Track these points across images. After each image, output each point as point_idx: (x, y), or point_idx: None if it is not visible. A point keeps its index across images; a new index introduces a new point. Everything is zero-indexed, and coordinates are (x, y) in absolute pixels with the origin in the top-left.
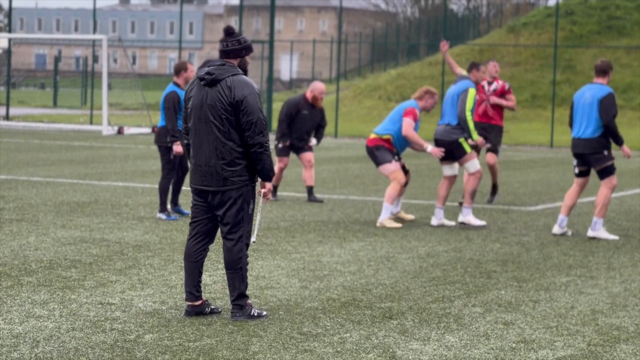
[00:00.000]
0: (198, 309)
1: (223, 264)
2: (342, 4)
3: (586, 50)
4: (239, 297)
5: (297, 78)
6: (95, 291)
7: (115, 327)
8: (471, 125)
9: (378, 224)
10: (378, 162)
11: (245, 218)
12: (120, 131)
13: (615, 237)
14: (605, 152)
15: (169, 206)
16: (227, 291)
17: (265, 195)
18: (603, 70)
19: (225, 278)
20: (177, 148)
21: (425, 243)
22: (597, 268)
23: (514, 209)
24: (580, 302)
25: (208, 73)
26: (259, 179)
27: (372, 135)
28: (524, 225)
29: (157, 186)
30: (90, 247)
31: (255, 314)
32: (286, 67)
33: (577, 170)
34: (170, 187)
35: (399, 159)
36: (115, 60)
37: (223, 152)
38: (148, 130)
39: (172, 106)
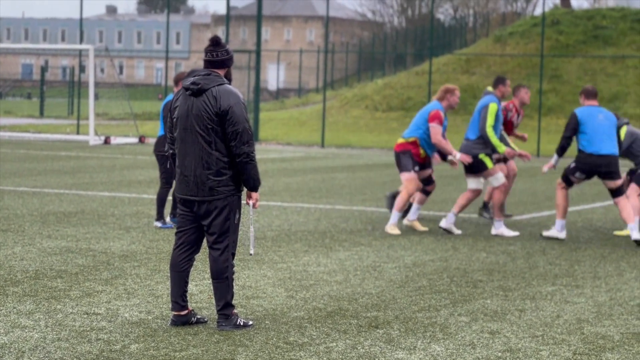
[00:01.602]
0: (184, 319)
1: (209, 274)
2: (329, 13)
3: (572, 59)
4: (225, 307)
5: (284, 88)
6: (81, 301)
7: (101, 337)
8: (494, 140)
9: (406, 222)
10: (401, 168)
11: (232, 228)
12: (107, 141)
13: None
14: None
15: (167, 219)
16: (213, 301)
17: (253, 205)
18: (595, 94)
19: (212, 287)
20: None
21: (412, 252)
22: (583, 277)
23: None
24: (566, 311)
25: (194, 83)
26: (245, 189)
27: (400, 140)
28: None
29: (144, 196)
30: (77, 257)
31: (242, 324)
32: (273, 76)
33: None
34: (170, 198)
35: (429, 167)
36: (102, 70)
37: (209, 162)
38: (135, 140)
39: (166, 117)
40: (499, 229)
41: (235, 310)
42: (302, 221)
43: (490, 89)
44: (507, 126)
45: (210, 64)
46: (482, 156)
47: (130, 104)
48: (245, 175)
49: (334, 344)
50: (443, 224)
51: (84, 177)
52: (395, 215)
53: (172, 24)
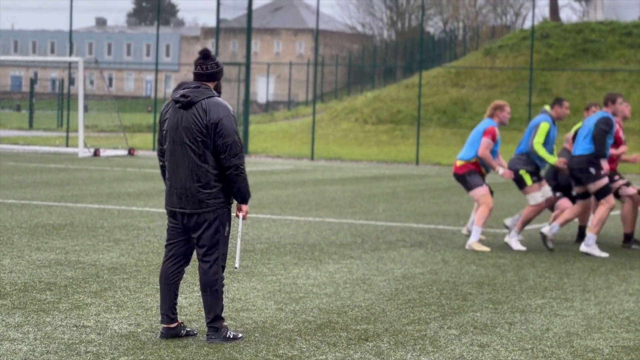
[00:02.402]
0: (173, 332)
1: (199, 286)
2: (318, 26)
3: (561, 73)
4: (215, 320)
5: (274, 100)
6: (70, 314)
7: (90, 350)
8: (542, 153)
9: (467, 247)
10: (470, 187)
11: (221, 240)
12: (96, 153)
13: (605, 255)
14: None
15: None
16: (203, 313)
17: (243, 217)
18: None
19: (201, 300)
20: None
21: (401, 265)
22: (572, 290)
23: (489, 231)
24: (556, 324)
25: (183, 95)
26: (235, 201)
27: (459, 162)
28: (499, 247)
29: (133, 208)
30: (66, 269)
31: (231, 336)
32: (263, 89)
33: None
34: None
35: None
36: (91, 82)
37: (199, 174)
38: (124, 152)
39: None
40: (512, 238)
41: (224, 323)
42: (291, 234)
43: (547, 107)
44: (617, 143)
45: (200, 76)
46: (522, 172)
47: (120, 116)
48: (235, 188)
49: (324, 356)
50: (505, 238)
51: (73, 189)
52: (477, 231)
53: (162, 36)
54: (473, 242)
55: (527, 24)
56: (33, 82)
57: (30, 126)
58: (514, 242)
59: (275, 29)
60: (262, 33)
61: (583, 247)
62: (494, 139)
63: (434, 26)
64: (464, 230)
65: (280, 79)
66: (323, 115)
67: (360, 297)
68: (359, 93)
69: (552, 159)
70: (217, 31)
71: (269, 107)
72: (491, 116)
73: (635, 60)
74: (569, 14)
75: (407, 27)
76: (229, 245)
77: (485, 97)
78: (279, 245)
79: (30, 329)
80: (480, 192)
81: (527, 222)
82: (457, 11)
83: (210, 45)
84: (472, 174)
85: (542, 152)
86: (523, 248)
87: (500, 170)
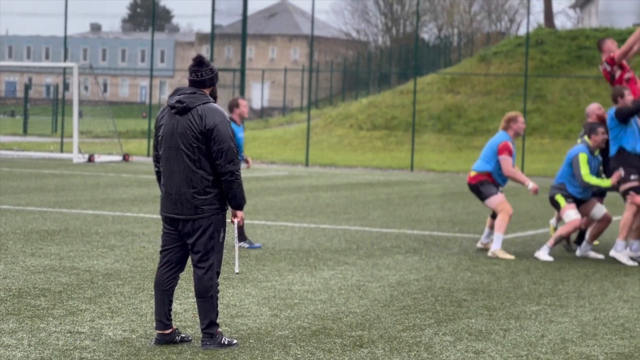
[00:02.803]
0: (168, 338)
1: (193, 292)
2: (313, 32)
3: (556, 79)
4: (210, 326)
5: (269, 106)
6: (65, 320)
7: (85, 356)
8: (595, 182)
9: (490, 254)
10: (484, 197)
11: (216, 246)
12: (90, 159)
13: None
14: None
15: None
16: (198, 319)
17: (238, 223)
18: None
19: (196, 306)
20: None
21: (396, 272)
22: (567, 297)
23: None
24: (551, 331)
25: (179, 101)
26: (230, 207)
27: (472, 173)
28: (494, 254)
29: (128, 214)
30: (60, 275)
31: (226, 343)
32: (257, 95)
33: None
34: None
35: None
36: (86, 88)
37: (194, 180)
38: (119, 158)
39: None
40: (541, 251)
41: (219, 329)
42: (286, 240)
43: (586, 138)
44: None
45: (195, 83)
46: (557, 197)
47: (114, 122)
48: (230, 194)
49: None
50: (536, 253)
51: (68, 195)
52: (499, 238)
53: (157, 42)
54: (497, 250)
55: (522, 31)
56: (27, 87)
57: (25, 132)
58: (542, 253)
59: (270, 35)
60: (256, 39)
61: (612, 252)
62: (510, 153)
63: (428, 32)
64: (479, 244)
65: (274, 85)
66: (318, 122)
67: (355, 304)
68: (353, 99)
69: (607, 182)
70: (211, 37)
71: (264, 113)
72: (505, 129)
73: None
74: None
75: (401, 34)
76: (225, 251)
77: (480, 103)
78: (273, 252)
79: (25, 335)
80: (497, 199)
81: (561, 238)
82: (451, 17)
83: (204, 51)
84: (485, 183)
85: (594, 181)
86: (551, 258)
87: (530, 185)
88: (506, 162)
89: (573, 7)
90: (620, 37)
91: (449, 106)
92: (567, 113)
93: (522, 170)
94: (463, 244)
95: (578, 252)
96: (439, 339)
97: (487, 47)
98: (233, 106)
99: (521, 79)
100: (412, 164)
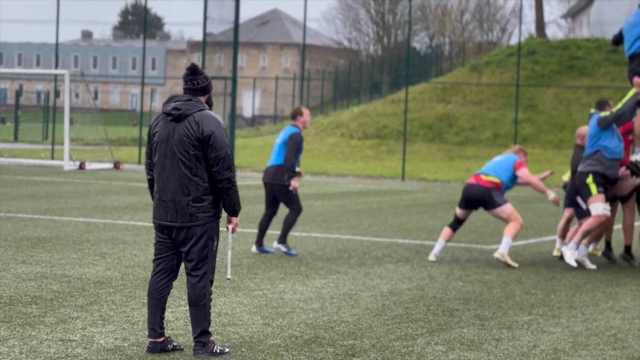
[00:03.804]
0: (160, 346)
1: (186, 300)
2: (305, 40)
3: (547, 89)
4: (202, 334)
5: (260, 114)
6: (56, 327)
7: None
8: (618, 105)
9: (498, 255)
10: (495, 204)
11: (210, 254)
12: (81, 166)
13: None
14: None
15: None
16: (190, 328)
17: (232, 230)
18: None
19: (188, 314)
20: (295, 184)
21: (388, 281)
22: (559, 307)
23: (476, 247)
24: (543, 341)
25: (175, 108)
26: (224, 214)
27: (484, 177)
28: (486, 264)
29: (119, 222)
30: (51, 283)
31: (218, 351)
32: (249, 103)
33: None
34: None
35: None
36: (77, 95)
37: (189, 188)
38: (110, 165)
39: (295, 145)
40: (569, 250)
41: (211, 338)
42: (277, 248)
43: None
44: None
45: (191, 91)
46: (589, 181)
47: (105, 129)
48: (226, 201)
49: None
50: (562, 248)
51: (59, 202)
52: (508, 242)
53: (148, 49)
54: (505, 253)
55: (513, 40)
56: (18, 94)
57: (16, 138)
58: (569, 254)
59: (261, 43)
60: (248, 47)
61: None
62: (525, 165)
63: (420, 41)
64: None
65: (266, 93)
66: (309, 130)
67: (347, 313)
68: (345, 108)
69: (631, 92)
70: (203, 45)
71: (255, 121)
72: (516, 153)
73: (620, 78)
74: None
75: (393, 43)
76: (218, 258)
77: (471, 113)
78: (265, 260)
79: (16, 343)
80: (510, 208)
81: (587, 232)
82: (443, 27)
83: (196, 59)
84: (496, 191)
85: (617, 106)
86: (575, 264)
87: (552, 196)
88: (528, 173)
89: (564, 17)
90: (612, 47)
91: (440, 115)
92: (558, 123)
93: None
94: (454, 253)
95: (575, 255)
96: (431, 348)
97: (479, 56)
98: (297, 114)
99: (512, 88)
100: (404, 173)
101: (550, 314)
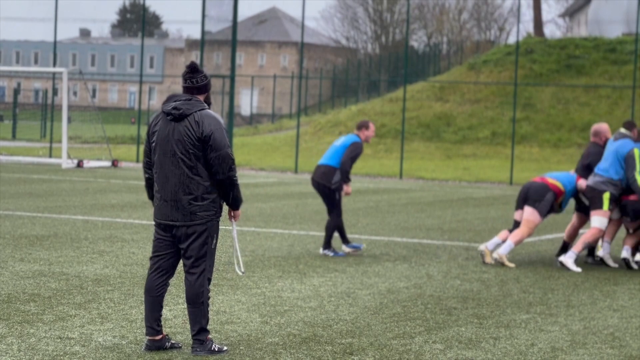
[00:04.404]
0: (158, 344)
1: (184, 298)
2: (303, 39)
3: (545, 88)
4: (200, 332)
5: (258, 113)
6: (54, 325)
7: None
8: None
9: (496, 255)
10: (535, 205)
11: (209, 252)
12: (79, 164)
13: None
14: None
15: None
16: (188, 326)
17: (235, 218)
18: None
19: (186, 312)
20: (348, 189)
21: (386, 279)
22: (557, 306)
23: (473, 246)
24: (540, 340)
25: (175, 108)
26: (223, 213)
27: (551, 180)
28: (483, 263)
29: (117, 220)
30: (49, 280)
31: (216, 349)
32: (247, 102)
33: None
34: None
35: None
36: (75, 93)
37: (190, 186)
38: (108, 163)
39: (356, 151)
40: (567, 258)
41: (209, 336)
42: (275, 247)
43: (623, 130)
44: None
45: (190, 90)
46: (606, 195)
47: (104, 128)
48: (229, 197)
49: None
50: (561, 257)
51: (57, 200)
52: (510, 246)
53: (146, 48)
54: (504, 256)
55: (511, 39)
56: (16, 92)
57: (14, 136)
58: (571, 262)
59: (259, 41)
60: (246, 45)
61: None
62: None
63: (418, 40)
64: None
65: (264, 92)
66: (307, 129)
67: (345, 311)
68: (343, 106)
69: None
70: (201, 43)
71: (253, 120)
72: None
73: (618, 77)
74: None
75: (391, 41)
76: (226, 254)
77: (469, 111)
78: (263, 258)
79: (14, 341)
80: (536, 219)
81: (587, 245)
82: (441, 25)
83: (194, 57)
84: (550, 199)
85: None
86: (579, 269)
87: None
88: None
89: (562, 16)
90: (610, 46)
91: (438, 114)
92: (556, 122)
93: (511, 179)
94: (452, 252)
95: (601, 253)
96: (429, 347)
97: (477, 55)
98: (362, 127)
99: (510, 87)
100: (401, 172)
101: (548, 312)
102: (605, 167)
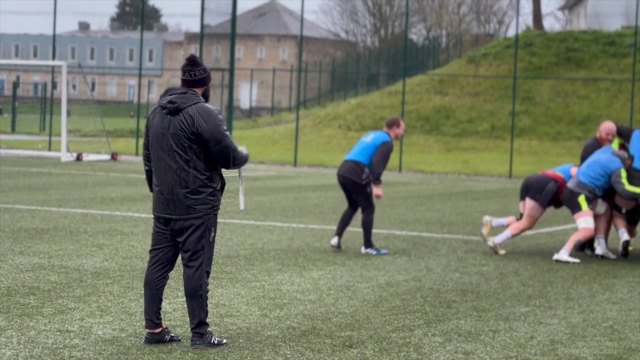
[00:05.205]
0: (158, 337)
1: (183, 292)
2: (302, 32)
3: (545, 81)
4: (199, 325)
5: (257, 106)
6: (54, 318)
7: (74, 355)
8: (635, 189)
9: (491, 244)
10: (537, 197)
11: (207, 245)
12: (79, 158)
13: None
14: None
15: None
16: (187, 319)
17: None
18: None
19: (185, 306)
20: (378, 191)
21: (385, 272)
22: (556, 298)
23: (473, 239)
24: (540, 332)
25: (170, 102)
26: (221, 208)
27: (551, 172)
28: (483, 255)
29: (117, 213)
30: (49, 274)
31: (215, 342)
32: (246, 95)
33: None
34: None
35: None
36: (74, 87)
37: (187, 180)
38: (107, 157)
39: (388, 153)
40: (562, 254)
41: (209, 329)
42: (275, 240)
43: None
44: None
45: (188, 83)
46: (581, 197)
47: (103, 121)
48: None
49: None
50: (555, 256)
51: (56, 193)
52: (507, 236)
53: (145, 41)
54: (498, 245)
55: (511, 32)
56: (15, 85)
57: (13, 130)
58: (565, 256)
59: (258, 34)
60: (245, 39)
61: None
62: None
63: (417, 33)
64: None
65: (263, 85)
66: (306, 122)
67: (345, 304)
68: (342, 100)
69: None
70: (201, 37)
71: (252, 113)
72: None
73: (618, 70)
74: (552, 23)
75: (390, 34)
76: (232, 192)
77: (468, 104)
78: (262, 252)
79: (14, 334)
80: (537, 214)
81: (578, 243)
82: (440, 19)
83: (193, 50)
84: (552, 188)
85: (635, 189)
86: (577, 260)
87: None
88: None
89: (562, 9)
90: (609, 39)
91: (437, 107)
92: (555, 115)
93: (510, 172)
94: (452, 245)
95: (599, 251)
96: (428, 339)
97: (476, 48)
98: (393, 124)
99: (510, 80)
100: (401, 165)
101: (547, 305)
102: (588, 173)
